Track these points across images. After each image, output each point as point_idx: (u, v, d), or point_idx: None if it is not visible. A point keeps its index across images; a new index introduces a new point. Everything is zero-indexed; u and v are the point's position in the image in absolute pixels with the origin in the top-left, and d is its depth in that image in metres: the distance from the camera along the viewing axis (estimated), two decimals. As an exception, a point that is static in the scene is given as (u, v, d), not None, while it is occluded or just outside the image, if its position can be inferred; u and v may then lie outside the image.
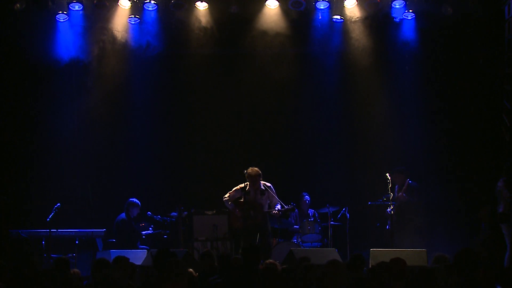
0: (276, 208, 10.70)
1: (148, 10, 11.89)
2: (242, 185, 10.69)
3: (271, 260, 8.29)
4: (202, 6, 11.93)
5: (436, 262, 6.76)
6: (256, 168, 10.70)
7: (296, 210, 12.57)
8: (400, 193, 11.17)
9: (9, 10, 11.40)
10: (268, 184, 10.85)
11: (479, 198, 11.65)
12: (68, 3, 11.71)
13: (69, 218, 11.92)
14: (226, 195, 10.88)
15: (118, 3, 11.83)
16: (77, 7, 11.74)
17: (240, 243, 10.56)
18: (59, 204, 11.22)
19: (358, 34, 12.11)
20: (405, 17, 11.98)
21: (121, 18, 11.97)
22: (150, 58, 12.41)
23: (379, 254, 9.42)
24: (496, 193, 10.11)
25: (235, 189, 10.81)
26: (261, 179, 10.75)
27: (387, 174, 10.84)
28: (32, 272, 6.54)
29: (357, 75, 12.52)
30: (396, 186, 11.05)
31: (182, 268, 5.44)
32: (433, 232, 11.80)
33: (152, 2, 11.78)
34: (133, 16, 11.96)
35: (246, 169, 10.75)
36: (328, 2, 11.89)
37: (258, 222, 10.65)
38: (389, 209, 11.38)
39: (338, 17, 11.98)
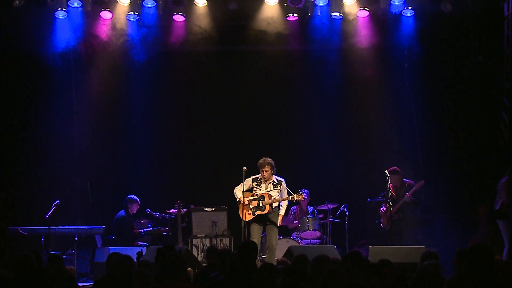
0: (285, 197, 10.60)
1: (147, 7, 11.83)
2: (254, 176, 10.63)
3: (282, 258, 8.31)
4: (201, 3, 11.89)
5: (425, 259, 6.72)
6: (269, 159, 10.63)
7: (295, 207, 12.59)
8: (407, 195, 11.13)
9: (8, 7, 11.35)
10: (281, 179, 10.79)
11: (478, 195, 11.63)
12: (67, 0, 11.65)
13: (68, 215, 11.97)
14: (237, 186, 10.76)
15: (117, 0, 11.79)
16: (76, 4, 11.66)
17: (249, 235, 10.50)
18: (58, 200, 11.27)
19: (357, 31, 12.05)
20: (404, 14, 11.94)
21: (120, 15, 11.90)
22: (149, 55, 12.40)
23: (378, 251, 9.42)
24: (497, 190, 10.08)
25: (247, 180, 10.68)
26: (273, 171, 10.67)
27: (386, 172, 10.75)
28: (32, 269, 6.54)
29: (356, 72, 12.47)
30: (390, 185, 10.98)
31: (183, 264, 5.42)
32: (432, 229, 11.82)
33: (151, -2, 11.78)
34: (132, 12, 11.88)
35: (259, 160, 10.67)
36: (327, -1, 11.89)
37: (266, 213, 10.58)
38: (383, 207, 11.38)
39: (337, 14, 11.90)
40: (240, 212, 10.77)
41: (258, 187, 10.65)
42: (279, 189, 10.64)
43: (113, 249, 10.43)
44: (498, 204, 9.97)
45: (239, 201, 10.69)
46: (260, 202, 10.56)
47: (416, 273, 5.61)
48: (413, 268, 6.56)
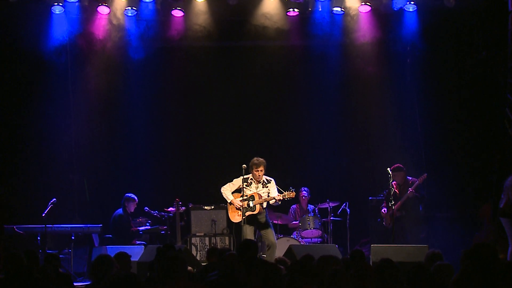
0: (275, 195, 10.37)
1: (145, 1, 11.74)
2: (244, 176, 10.43)
3: (281, 257, 8.16)
4: (200, -2, 11.83)
5: (430, 259, 6.60)
6: (261, 159, 10.44)
7: (295, 206, 12.45)
8: (410, 190, 11.02)
9: (4, 1, 11.25)
10: (270, 178, 10.61)
11: (481, 193, 11.51)
12: (64, -5, 11.61)
13: (65, 213, 11.86)
14: (225, 186, 10.61)
15: (115, -5, 11.72)
16: (73, -2, 11.62)
17: (240, 237, 10.32)
18: (54, 199, 11.16)
19: (358, 26, 11.98)
20: (406, 9, 11.85)
21: (118, 9, 11.82)
22: (147, 50, 12.27)
23: (380, 250, 9.35)
24: (503, 188, 9.95)
25: (236, 180, 10.55)
26: (264, 170, 10.50)
27: (388, 169, 10.61)
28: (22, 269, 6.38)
29: (358, 68, 12.36)
30: (394, 183, 10.86)
31: (184, 263, 5.32)
32: (435, 227, 11.70)
33: (150, -7, 11.67)
34: (130, 8, 11.81)
35: (251, 160, 10.47)
36: (329, -6, 11.80)
37: (257, 214, 10.40)
38: (383, 208, 11.24)
39: (339, 9, 11.86)
40: (229, 213, 10.63)
41: (247, 187, 10.44)
42: (268, 188, 10.47)
43: (110, 248, 10.39)
44: (503, 202, 9.82)
45: (230, 202, 10.52)
46: (251, 202, 10.37)
47: (426, 273, 5.44)
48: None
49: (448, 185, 11.92)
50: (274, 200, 10.36)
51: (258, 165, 10.36)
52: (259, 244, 10.89)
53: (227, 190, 10.56)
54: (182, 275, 5.29)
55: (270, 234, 10.40)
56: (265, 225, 10.46)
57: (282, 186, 10.59)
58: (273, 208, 11.14)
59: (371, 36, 12.01)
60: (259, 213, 10.38)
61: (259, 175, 10.40)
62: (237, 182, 10.48)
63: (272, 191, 10.46)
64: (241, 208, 10.29)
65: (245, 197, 10.35)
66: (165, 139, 13.05)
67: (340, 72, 12.58)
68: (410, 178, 11.27)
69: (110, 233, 11.86)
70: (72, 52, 12.15)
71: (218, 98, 13.07)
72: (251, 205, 10.35)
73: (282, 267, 6.46)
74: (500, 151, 11.12)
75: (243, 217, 10.28)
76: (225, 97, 13.07)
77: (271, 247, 10.33)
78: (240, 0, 11.74)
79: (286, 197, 10.31)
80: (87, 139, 12.58)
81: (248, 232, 10.32)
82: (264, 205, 10.45)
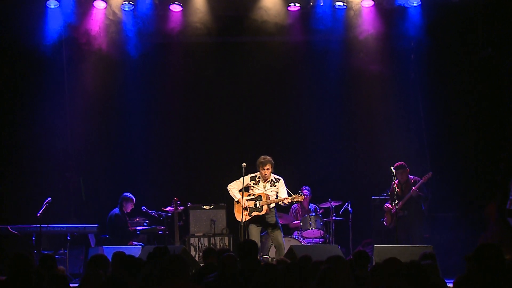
0: (284, 197, 10.17)
1: (142, -4, 11.69)
2: (252, 174, 10.24)
3: (282, 257, 7.96)
4: (199, -7, 11.73)
5: (424, 259, 6.50)
6: (268, 157, 10.24)
7: (296, 205, 12.28)
8: (413, 189, 10.87)
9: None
10: (278, 177, 10.41)
11: (486, 192, 11.37)
12: (59, -11, 11.53)
13: (60, 212, 11.73)
14: (232, 183, 10.41)
15: (111, -11, 11.64)
16: (68, -7, 11.53)
17: (248, 237, 10.11)
18: (50, 198, 10.98)
19: (361, 21, 11.87)
20: (410, 3, 11.73)
21: (114, 4, 11.72)
22: (145, 46, 12.13)
23: (383, 250, 9.22)
24: (510, 188, 9.80)
25: (243, 178, 10.32)
26: (272, 169, 10.27)
27: (392, 168, 10.53)
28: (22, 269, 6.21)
29: (361, 64, 12.20)
30: (397, 181, 10.69)
31: (184, 264, 5.14)
32: (440, 227, 11.58)
33: (147, -13, 11.58)
34: (127, 2, 11.71)
35: (258, 158, 10.27)
36: (331, -12, 11.74)
37: (264, 214, 10.18)
38: (387, 204, 11.11)
39: (341, 3, 11.78)
40: (235, 212, 10.44)
41: (255, 186, 10.26)
42: (276, 187, 10.25)
43: (106, 248, 10.23)
44: None
45: (238, 201, 10.33)
46: (258, 202, 10.17)
47: (419, 269, 5.47)
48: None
49: (452, 184, 11.82)
50: (284, 200, 10.18)
51: (264, 164, 10.16)
52: (259, 244, 10.71)
53: (234, 188, 10.37)
54: (182, 275, 5.13)
55: (278, 236, 10.23)
56: (274, 226, 10.27)
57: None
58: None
59: (374, 31, 11.90)
60: (266, 213, 10.19)
61: (266, 174, 10.21)
62: (245, 180, 10.26)
63: (281, 191, 10.26)
64: (247, 208, 10.09)
65: (252, 197, 10.16)
66: (163, 136, 12.90)
67: (342, 69, 12.44)
68: (412, 177, 11.13)
69: (107, 233, 11.69)
70: (68, 48, 12.04)
71: (218, 95, 12.92)
72: (257, 205, 10.15)
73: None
74: (505, 149, 11.02)
75: (243, 220, 10.10)
76: (224, 94, 12.92)
77: (279, 248, 10.19)
78: (240, -5, 11.68)
79: (295, 200, 10.18)
80: (83, 137, 12.45)
81: (254, 233, 10.16)
82: (272, 205, 10.26)
